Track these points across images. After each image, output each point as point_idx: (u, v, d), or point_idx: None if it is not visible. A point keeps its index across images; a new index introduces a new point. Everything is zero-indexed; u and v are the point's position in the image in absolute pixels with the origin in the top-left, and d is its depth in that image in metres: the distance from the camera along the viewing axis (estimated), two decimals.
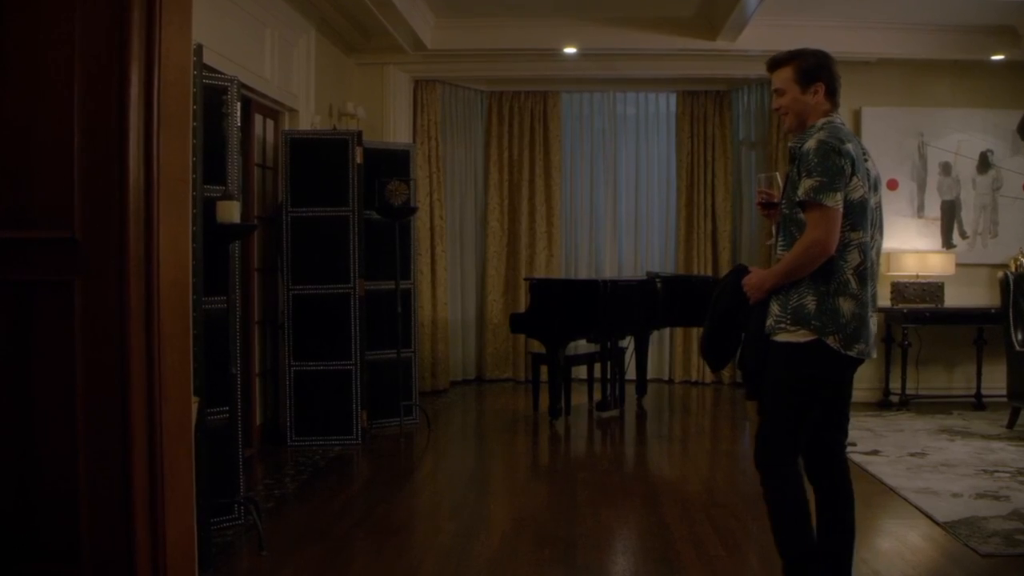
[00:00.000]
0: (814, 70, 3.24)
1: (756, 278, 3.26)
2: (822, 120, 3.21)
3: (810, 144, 3.11)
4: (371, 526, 4.47)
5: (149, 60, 2.29)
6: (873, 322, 3.17)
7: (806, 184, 3.05)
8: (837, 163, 3.03)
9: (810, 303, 3.10)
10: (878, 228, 3.19)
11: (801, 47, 3.31)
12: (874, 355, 3.23)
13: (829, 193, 3.00)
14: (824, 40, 7.53)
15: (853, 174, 3.04)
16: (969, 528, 4.30)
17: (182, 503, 2.50)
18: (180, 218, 2.43)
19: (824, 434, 3.28)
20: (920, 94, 8.12)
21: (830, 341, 3.08)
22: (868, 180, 3.13)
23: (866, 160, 3.18)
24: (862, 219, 3.07)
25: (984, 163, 8.08)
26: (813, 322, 3.09)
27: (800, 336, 3.11)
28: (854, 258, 3.09)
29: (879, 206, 3.20)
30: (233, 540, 4.22)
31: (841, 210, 3.02)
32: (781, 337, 3.16)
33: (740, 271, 3.39)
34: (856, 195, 3.05)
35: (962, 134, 8.06)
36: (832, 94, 3.25)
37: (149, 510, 2.36)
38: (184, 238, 2.47)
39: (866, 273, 3.10)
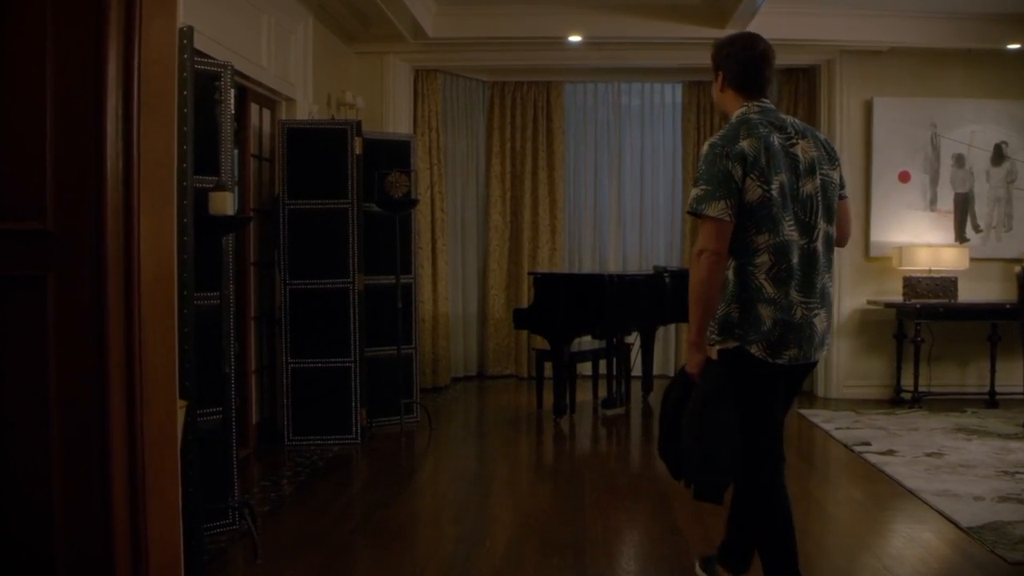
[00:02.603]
0: (716, 60, 3.13)
1: (688, 354, 3.10)
2: (735, 114, 3.07)
3: (704, 148, 3.03)
4: (371, 531, 4.30)
5: (129, 36, 2.10)
6: (820, 319, 3.02)
7: (692, 193, 2.98)
8: (723, 168, 2.91)
9: (734, 312, 3.01)
10: (821, 215, 3.01)
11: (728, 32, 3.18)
12: (814, 358, 3.07)
13: (712, 203, 2.90)
14: (835, 28, 7.47)
15: (746, 175, 2.90)
16: (995, 534, 4.12)
17: (167, 515, 2.32)
18: (164, 208, 2.24)
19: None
20: (933, 84, 7.92)
21: (754, 350, 2.98)
22: (792, 169, 2.98)
23: (793, 145, 3.01)
24: (766, 219, 2.92)
25: (998, 155, 7.90)
26: (736, 331, 3.00)
27: (729, 344, 3.03)
28: (764, 262, 2.95)
29: (820, 192, 3.02)
30: (227, 547, 4.05)
31: (728, 219, 2.90)
32: (716, 348, 3.07)
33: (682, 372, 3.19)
34: (753, 196, 2.91)
35: (976, 125, 7.86)
36: (738, 84, 3.08)
37: (130, 523, 2.18)
38: (168, 230, 2.28)
39: (784, 275, 2.94)
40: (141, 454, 2.19)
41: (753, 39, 3.12)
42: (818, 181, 3.01)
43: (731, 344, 3.01)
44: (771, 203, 2.91)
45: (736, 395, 3.02)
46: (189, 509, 3.68)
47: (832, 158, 3.11)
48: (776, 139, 2.97)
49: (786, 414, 3.25)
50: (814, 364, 3.14)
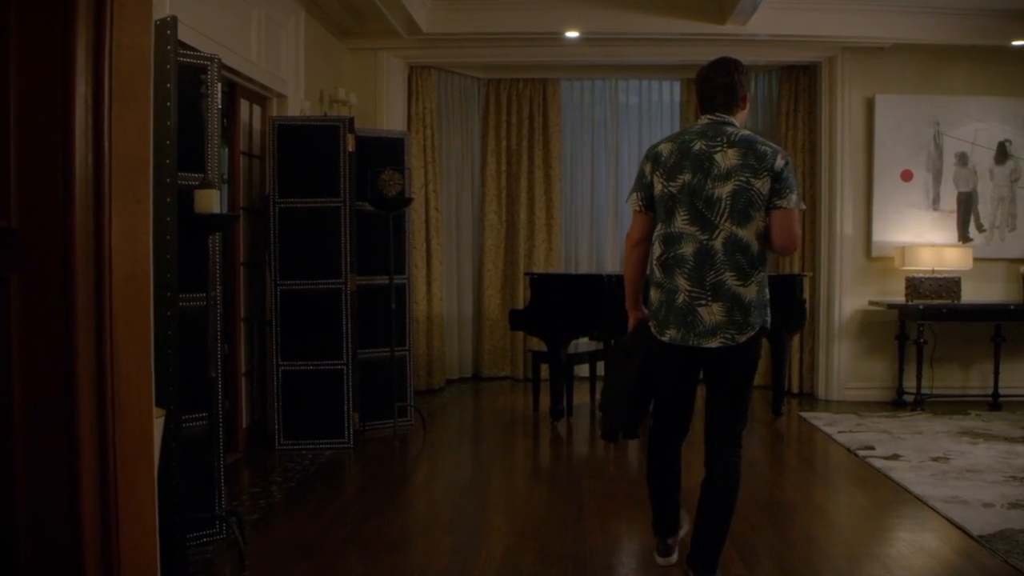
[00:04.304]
0: None
1: None
2: None
3: None
4: (363, 541, 4.15)
5: (99, 19, 1.95)
6: (709, 311, 3.30)
7: None
8: (642, 167, 3.47)
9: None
10: (727, 217, 3.28)
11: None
12: (703, 345, 3.33)
13: (631, 195, 3.51)
14: (837, 24, 7.34)
15: (654, 172, 3.40)
16: (1007, 543, 3.99)
17: (142, 530, 2.17)
18: (138, 204, 2.09)
19: (707, 422, 3.54)
20: (936, 81, 7.80)
21: (652, 326, 3.46)
22: (705, 171, 3.28)
23: (716, 152, 3.30)
24: (664, 212, 3.38)
25: (1002, 153, 7.77)
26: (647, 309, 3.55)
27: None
28: (656, 249, 3.42)
29: (730, 196, 3.27)
30: (213, 558, 3.91)
31: (639, 209, 3.46)
32: None
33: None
34: (658, 191, 3.39)
35: (980, 123, 7.74)
36: (699, 106, 3.49)
37: (101, 540, 2.04)
38: (144, 228, 2.14)
39: (671, 262, 3.34)
40: (113, 467, 2.04)
41: (706, 73, 3.46)
42: (731, 186, 3.27)
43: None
44: (670, 198, 3.35)
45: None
46: (172, 520, 3.54)
47: (758, 169, 3.27)
48: (699, 145, 3.33)
49: (717, 404, 3.50)
50: (726, 353, 3.34)
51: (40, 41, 1.92)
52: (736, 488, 3.48)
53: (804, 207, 3.43)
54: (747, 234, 3.28)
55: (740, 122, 3.50)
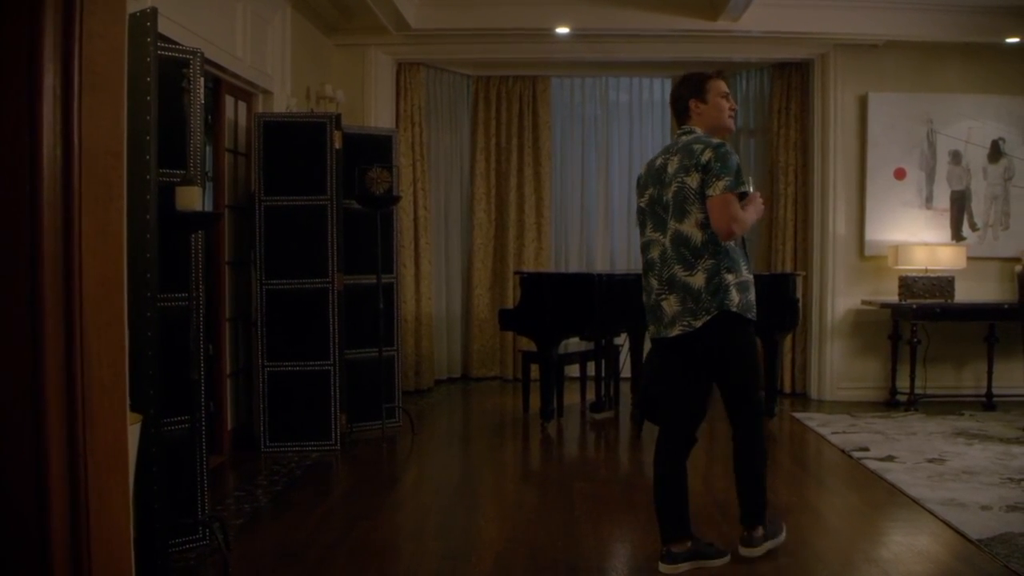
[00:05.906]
0: None
1: None
2: None
3: None
4: (350, 546, 4.04)
5: (68, 5, 1.85)
6: (668, 303, 3.58)
7: None
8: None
9: None
10: (671, 216, 3.56)
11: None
12: (668, 334, 3.61)
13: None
14: (830, 21, 7.28)
15: (637, 192, 3.79)
16: (1007, 547, 3.91)
17: (116, 544, 2.07)
18: (111, 202, 1.99)
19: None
20: (929, 79, 7.74)
21: None
22: (661, 181, 3.60)
23: (668, 161, 3.60)
24: (640, 224, 3.75)
25: (996, 151, 7.72)
26: None
27: None
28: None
29: (672, 197, 3.54)
30: (196, 565, 3.81)
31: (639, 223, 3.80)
32: None
33: None
34: (639, 208, 3.77)
35: (973, 121, 7.68)
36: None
37: (72, 558, 1.93)
38: (117, 226, 2.03)
39: (647, 267, 3.68)
40: (84, 477, 1.94)
41: (671, 92, 3.80)
42: (673, 188, 3.54)
43: None
44: (641, 212, 3.73)
45: None
46: (152, 527, 3.44)
47: (689, 167, 3.50)
48: (659, 160, 3.67)
49: (728, 400, 3.74)
50: (690, 339, 3.56)
51: (4, 28, 1.82)
52: (750, 446, 3.73)
53: (744, 189, 3.51)
54: (686, 228, 3.52)
55: (703, 125, 3.65)
